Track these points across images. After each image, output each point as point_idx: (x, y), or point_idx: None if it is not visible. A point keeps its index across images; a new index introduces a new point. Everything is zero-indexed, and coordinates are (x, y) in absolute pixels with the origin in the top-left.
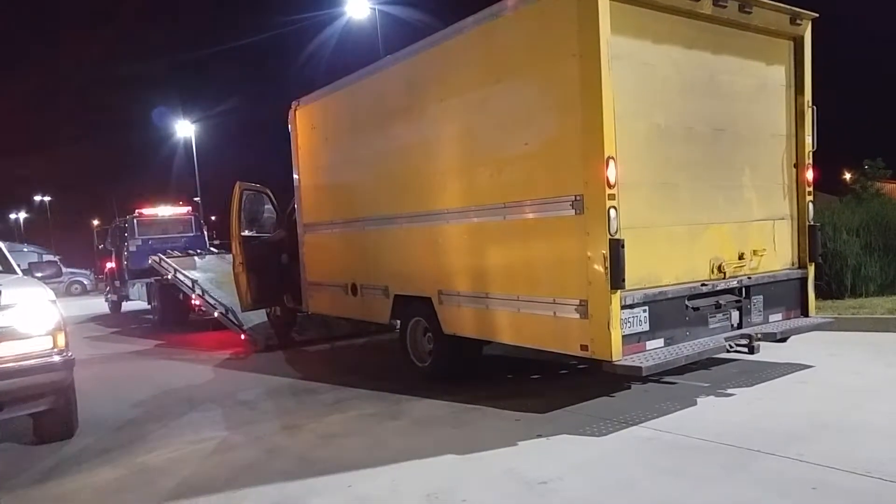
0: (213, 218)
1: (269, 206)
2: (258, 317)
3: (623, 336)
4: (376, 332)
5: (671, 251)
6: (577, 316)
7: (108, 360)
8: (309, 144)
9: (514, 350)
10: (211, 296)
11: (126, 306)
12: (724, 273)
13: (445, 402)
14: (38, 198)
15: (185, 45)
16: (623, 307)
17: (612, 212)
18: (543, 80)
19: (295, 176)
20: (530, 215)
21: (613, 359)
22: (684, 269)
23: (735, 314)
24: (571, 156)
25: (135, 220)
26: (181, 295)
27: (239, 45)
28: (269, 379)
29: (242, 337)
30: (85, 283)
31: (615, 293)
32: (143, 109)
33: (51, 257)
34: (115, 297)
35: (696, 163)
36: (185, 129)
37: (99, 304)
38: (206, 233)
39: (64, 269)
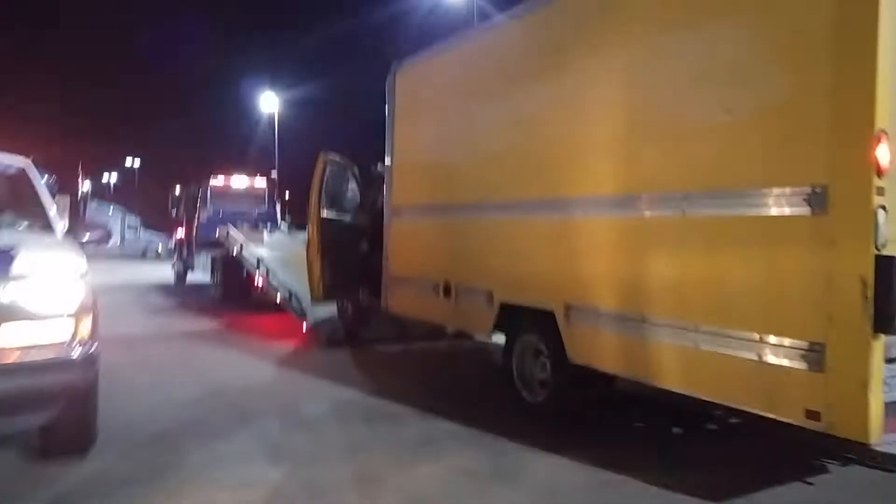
0: (286, 194)
1: (352, 185)
2: (327, 310)
3: (885, 404)
4: (457, 337)
5: None
6: (804, 366)
7: (159, 340)
8: (408, 114)
9: (629, 383)
10: (275, 276)
11: (191, 277)
12: None
13: (573, 461)
14: (128, 163)
15: (273, 17)
16: (888, 360)
17: (882, 214)
18: (763, 13)
19: (387, 152)
20: (729, 211)
21: (871, 440)
22: None
23: None
24: (810, 127)
25: (209, 188)
26: (245, 272)
27: (329, 19)
28: (337, 390)
29: (305, 326)
30: (159, 248)
31: (877, 338)
32: (232, 83)
33: (133, 219)
34: (181, 268)
35: None
36: (269, 104)
37: (167, 273)
38: (279, 209)
39: (143, 233)
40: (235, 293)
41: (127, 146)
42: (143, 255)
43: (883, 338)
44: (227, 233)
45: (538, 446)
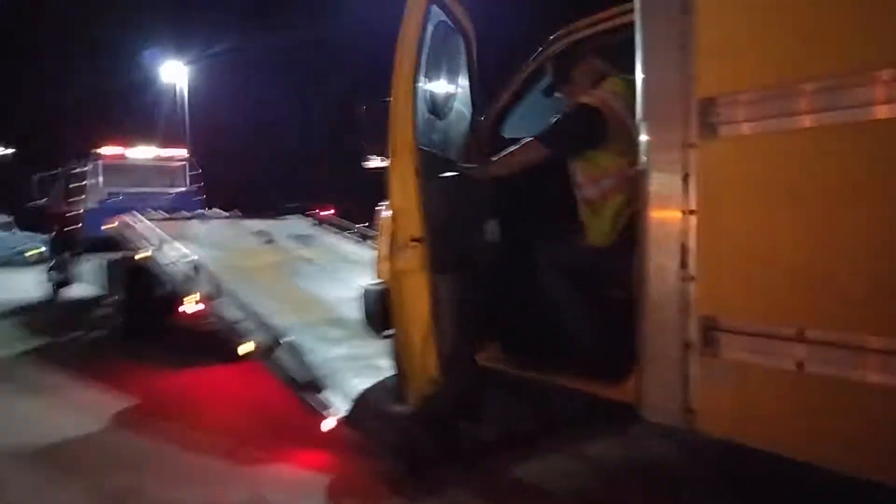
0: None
1: (462, 86)
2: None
3: None
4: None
5: None
6: None
7: None
8: None
9: None
10: (237, 302)
11: (73, 290)
12: None
13: None
14: None
15: None
16: None
17: None
18: None
19: None
20: None
21: None
22: None
23: None
24: None
25: (99, 162)
26: (166, 285)
27: None
28: None
29: (329, 421)
30: (42, 250)
31: None
32: (123, 45)
33: (5, 218)
34: (59, 277)
35: None
36: (174, 75)
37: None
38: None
39: (19, 233)
40: (149, 322)
41: None
42: (17, 259)
43: None
44: (128, 224)
45: None
